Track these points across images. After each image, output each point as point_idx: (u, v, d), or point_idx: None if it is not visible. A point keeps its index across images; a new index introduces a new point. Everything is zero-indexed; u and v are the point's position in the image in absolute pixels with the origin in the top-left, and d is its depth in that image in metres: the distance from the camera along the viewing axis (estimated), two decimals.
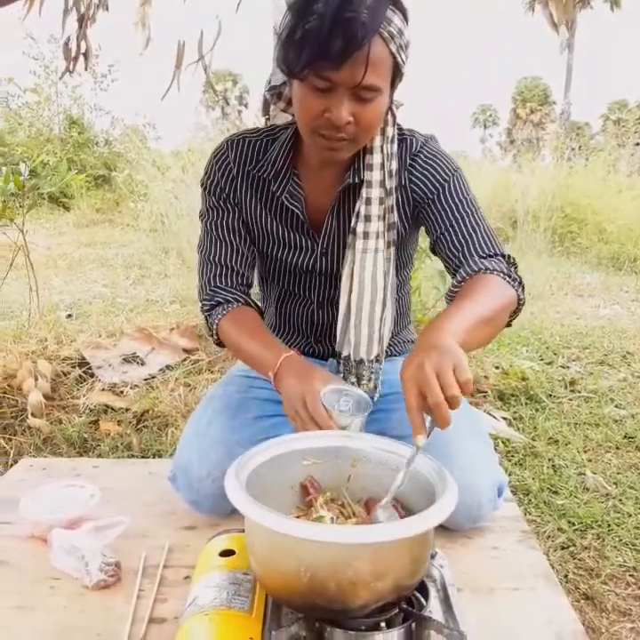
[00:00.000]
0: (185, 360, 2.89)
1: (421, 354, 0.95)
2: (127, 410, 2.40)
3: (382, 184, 1.27)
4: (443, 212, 1.30)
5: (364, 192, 1.28)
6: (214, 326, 1.38)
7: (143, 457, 2.10)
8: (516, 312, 1.25)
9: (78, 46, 2.80)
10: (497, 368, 2.90)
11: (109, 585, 1.19)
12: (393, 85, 1.18)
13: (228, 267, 1.39)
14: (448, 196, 1.30)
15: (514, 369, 2.84)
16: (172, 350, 2.94)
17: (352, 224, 1.30)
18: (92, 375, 2.69)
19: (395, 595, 0.87)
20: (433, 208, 1.31)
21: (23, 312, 3.47)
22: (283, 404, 1.21)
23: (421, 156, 1.31)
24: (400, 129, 1.33)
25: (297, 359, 1.22)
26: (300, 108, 1.16)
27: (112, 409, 2.43)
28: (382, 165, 1.27)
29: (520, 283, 1.24)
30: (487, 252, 1.27)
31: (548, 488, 1.95)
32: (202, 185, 1.42)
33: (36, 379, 2.48)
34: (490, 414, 2.43)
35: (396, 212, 1.30)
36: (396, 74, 1.16)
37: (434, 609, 1.01)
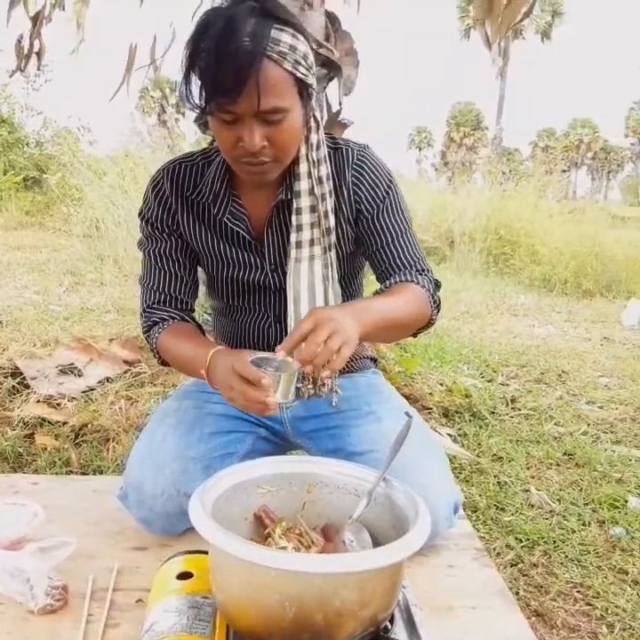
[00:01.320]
0: (126, 372, 2.78)
1: (340, 314, 1.04)
2: (65, 423, 2.29)
3: (311, 192, 1.28)
4: (380, 229, 1.33)
5: (294, 202, 1.28)
6: (154, 344, 1.37)
7: (83, 473, 2.00)
8: (423, 328, 1.32)
9: (31, 45, 2.69)
10: (441, 385, 2.94)
11: (56, 609, 1.11)
12: (303, 97, 1.17)
13: (166, 294, 1.38)
14: (386, 212, 1.33)
15: (457, 386, 2.88)
16: (112, 362, 2.83)
17: (290, 236, 1.30)
18: (27, 386, 2.56)
19: (375, 624, 0.86)
20: (371, 223, 1.33)
21: None
22: (222, 395, 1.14)
23: (365, 167, 1.32)
24: (333, 138, 1.34)
25: (226, 350, 1.20)
26: (218, 140, 1.19)
27: (48, 422, 2.31)
28: (309, 174, 1.27)
29: (438, 306, 1.31)
30: (419, 267, 1.33)
31: (495, 505, 1.98)
32: (139, 214, 1.40)
33: None
34: (435, 431, 2.45)
35: (332, 217, 1.30)
36: (303, 87, 1.15)
37: (399, 631, 1.00)
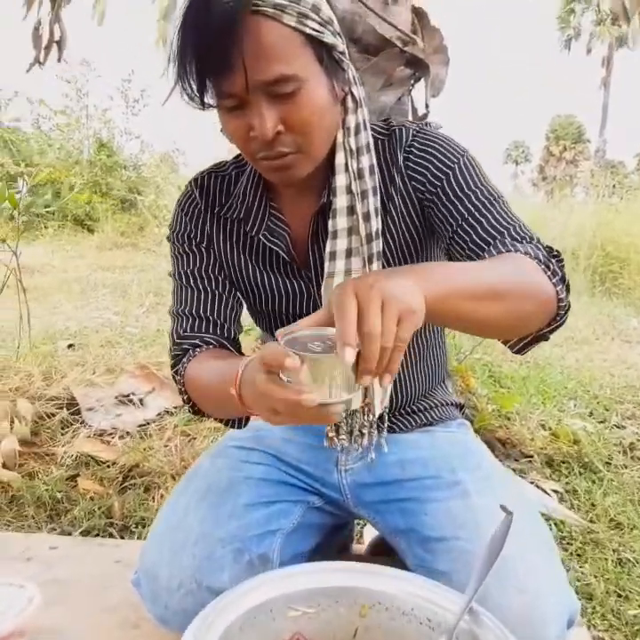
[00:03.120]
0: None
1: (381, 277, 0.71)
2: (113, 463, 2.07)
3: (348, 189, 0.98)
4: (452, 207, 0.98)
5: (332, 204, 0.99)
6: (181, 379, 1.06)
7: (124, 526, 1.76)
8: (555, 319, 0.91)
9: (51, 32, 2.46)
10: (543, 427, 2.53)
11: None
12: (324, 64, 0.89)
13: (202, 317, 1.09)
14: (455, 186, 0.99)
15: (563, 429, 2.46)
16: (173, 392, 2.60)
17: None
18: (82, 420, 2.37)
19: None
20: (439, 205, 1.00)
21: (16, 342, 3.17)
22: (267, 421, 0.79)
23: (415, 144, 1.02)
24: (388, 122, 1.05)
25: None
26: (232, 139, 0.94)
27: (96, 462, 2.10)
28: (346, 166, 0.98)
29: (562, 279, 0.91)
30: (517, 234, 0.96)
31: (616, 592, 1.56)
32: (168, 238, 1.16)
33: (13, 422, 2.17)
34: (537, 487, 2.06)
35: (376, 220, 0.98)
36: (321, 49, 0.88)
37: None
